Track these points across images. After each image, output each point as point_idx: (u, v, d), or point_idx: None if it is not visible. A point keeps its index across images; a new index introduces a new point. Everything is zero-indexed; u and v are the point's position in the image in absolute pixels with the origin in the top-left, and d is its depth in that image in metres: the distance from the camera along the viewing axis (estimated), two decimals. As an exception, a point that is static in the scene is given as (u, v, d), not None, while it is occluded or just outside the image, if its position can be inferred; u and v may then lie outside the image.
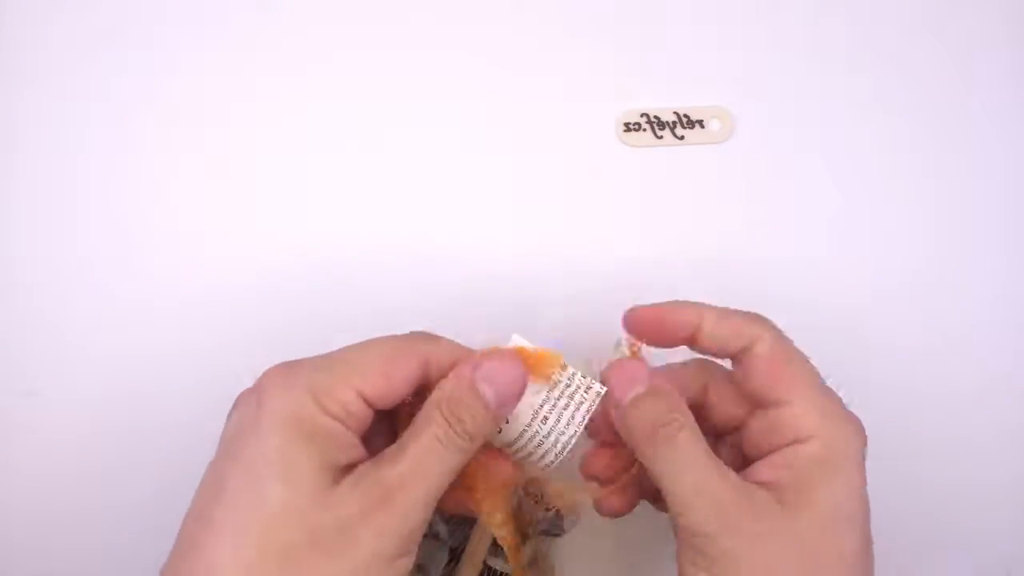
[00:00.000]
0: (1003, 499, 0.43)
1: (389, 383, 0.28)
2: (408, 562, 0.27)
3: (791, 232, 0.42)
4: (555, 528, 0.39)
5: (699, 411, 0.32)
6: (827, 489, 0.29)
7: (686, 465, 0.29)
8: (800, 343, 0.42)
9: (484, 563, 0.38)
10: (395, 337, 0.30)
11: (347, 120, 0.41)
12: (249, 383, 0.27)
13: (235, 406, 0.29)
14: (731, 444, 0.33)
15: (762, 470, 0.30)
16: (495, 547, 0.38)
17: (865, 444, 0.30)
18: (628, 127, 0.41)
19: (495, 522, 0.31)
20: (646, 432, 0.29)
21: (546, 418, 0.31)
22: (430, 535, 0.39)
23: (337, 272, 0.41)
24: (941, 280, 0.42)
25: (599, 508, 0.34)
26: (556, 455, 0.31)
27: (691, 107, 0.41)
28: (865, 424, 0.30)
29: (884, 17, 0.42)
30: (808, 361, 0.31)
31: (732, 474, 0.29)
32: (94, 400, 0.41)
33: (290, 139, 0.41)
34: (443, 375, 0.29)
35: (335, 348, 0.29)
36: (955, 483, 0.43)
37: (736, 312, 0.32)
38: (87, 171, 0.41)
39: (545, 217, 0.41)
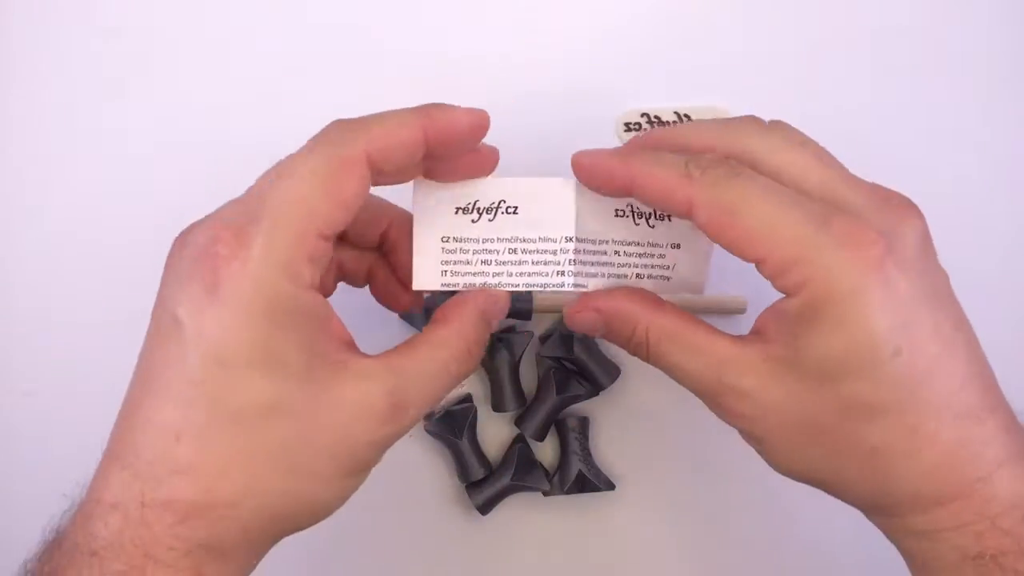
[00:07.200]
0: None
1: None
2: None
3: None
4: None
5: None
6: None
7: None
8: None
9: None
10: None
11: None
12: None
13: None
14: None
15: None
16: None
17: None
18: (628, 127, 0.41)
19: None
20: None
21: None
22: None
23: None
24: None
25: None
26: None
27: (691, 107, 0.41)
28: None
29: (885, 15, 0.42)
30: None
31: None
32: (94, 400, 0.41)
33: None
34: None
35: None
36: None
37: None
38: (87, 169, 0.41)
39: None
